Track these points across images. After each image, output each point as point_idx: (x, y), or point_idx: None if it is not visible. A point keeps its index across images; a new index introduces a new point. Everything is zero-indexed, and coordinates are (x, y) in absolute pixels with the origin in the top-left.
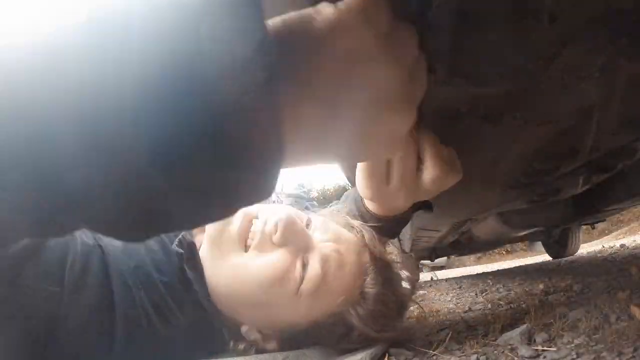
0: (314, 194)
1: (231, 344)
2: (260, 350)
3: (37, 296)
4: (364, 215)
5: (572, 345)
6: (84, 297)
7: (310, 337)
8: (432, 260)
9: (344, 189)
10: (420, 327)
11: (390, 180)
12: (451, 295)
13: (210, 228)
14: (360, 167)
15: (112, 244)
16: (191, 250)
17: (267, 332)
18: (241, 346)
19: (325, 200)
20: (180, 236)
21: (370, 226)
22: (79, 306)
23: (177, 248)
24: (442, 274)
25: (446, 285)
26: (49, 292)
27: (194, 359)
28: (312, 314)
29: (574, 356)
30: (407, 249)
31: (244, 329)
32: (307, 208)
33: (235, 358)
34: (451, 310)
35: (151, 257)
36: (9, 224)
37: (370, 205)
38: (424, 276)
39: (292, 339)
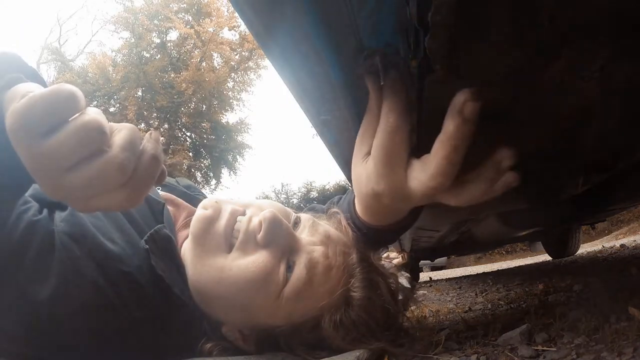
0: (314, 194)
1: (200, 343)
2: (223, 350)
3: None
4: (355, 221)
5: (572, 345)
6: (44, 284)
7: (289, 341)
8: (432, 260)
9: (344, 189)
10: (419, 332)
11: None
12: (451, 295)
13: (195, 226)
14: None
15: (83, 233)
16: (166, 244)
17: (247, 332)
18: (207, 345)
19: (325, 199)
20: (153, 230)
21: (362, 233)
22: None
23: (144, 244)
24: (442, 274)
25: (446, 285)
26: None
27: (176, 351)
28: (293, 317)
29: (574, 356)
30: (407, 249)
31: (224, 328)
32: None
33: (231, 358)
34: (451, 310)
35: (116, 251)
36: None
37: (361, 212)
38: (424, 276)
39: (270, 341)
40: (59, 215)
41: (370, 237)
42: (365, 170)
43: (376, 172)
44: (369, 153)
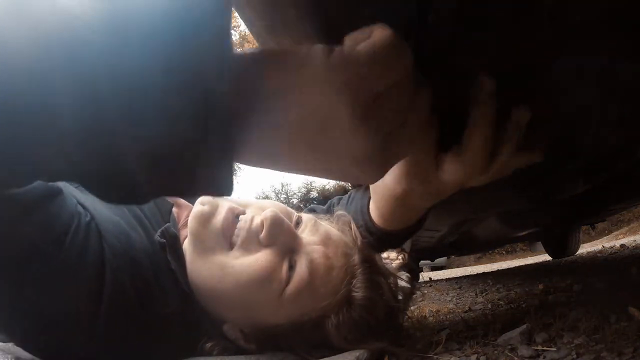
0: (314, 194)
1: (200, 342)
2: (224, 349)
3: (32, 248)
4: (369, 228)
5: (572, 345)
6: (78, 268)
7: (290, 340)
8: (432, 260)
9: (344, 189)
10: (419, 332)
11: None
12: (451, 295)
13: (192, 222)
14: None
15: (106, 227)
16: (174, 242)
17: (247, 331)
18: (208, 345)
19: (324, 199)
20: (163, 227)
21: (375, 238)
22: (71, 280)
23: (159, 238)
24: (442, 274)
25: (446, 285)
26: (45, 249)
27: (178, 349)
28: (294, 316)
29: (574, 356)
30: (407, 249)
31: (226, 327)
32: (313, 210)
33: (231, 357)
34: (451, 310)
35: (140, 245)
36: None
37: (377, 219)
38: (424, 276)
39: (272, 341)
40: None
41: (384, 241)
42: (392, 172)
43: (407, 173)
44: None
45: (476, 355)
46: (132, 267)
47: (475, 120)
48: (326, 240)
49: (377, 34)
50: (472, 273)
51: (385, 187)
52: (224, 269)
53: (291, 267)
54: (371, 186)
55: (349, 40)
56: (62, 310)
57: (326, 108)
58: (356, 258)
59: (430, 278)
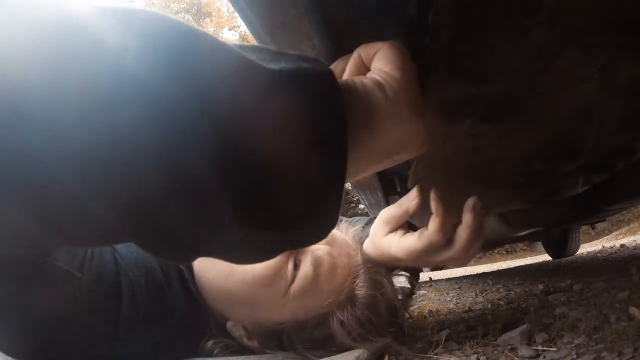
0: None
1: (202, 340)
2: (225, 347)
3: (61, 276)
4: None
5: (572, 345)
6: (98, 287)
7: (293, 338)
8: None
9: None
10: (419, 332)
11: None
12: (451, 295)
13: None
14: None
15: None
16: None
17: (252, 328)
18: (209, 343)
19: None
20: None
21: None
22: (93, 296)
23: None
24: (442, 274)
25: (446, 285)
26: (71, 275)
27: (185, 349)
28: (299, 314)
29: (574, 356)
30: None
31: (229, 324)
32: None
33: (230, 358)
34: (451, 310)
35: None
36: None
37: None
38: (424, 276)
39: (275, 338)
40: None
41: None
42: (400, 242)
43: (410, 251)
44: (393, 230)
45: (476, 355)
46: (145, 275)
47: (467, 224)
48: (330, 241)
49: (391, 50)
50: (472, 273)
51: (390, 254)
52: (231, 267)
53: (296, 266)
54: (376, 244)
55: (378, 62)
56: (81, 330)
57: (402, 135)
58: (359, 258)
59: (430, 278)
